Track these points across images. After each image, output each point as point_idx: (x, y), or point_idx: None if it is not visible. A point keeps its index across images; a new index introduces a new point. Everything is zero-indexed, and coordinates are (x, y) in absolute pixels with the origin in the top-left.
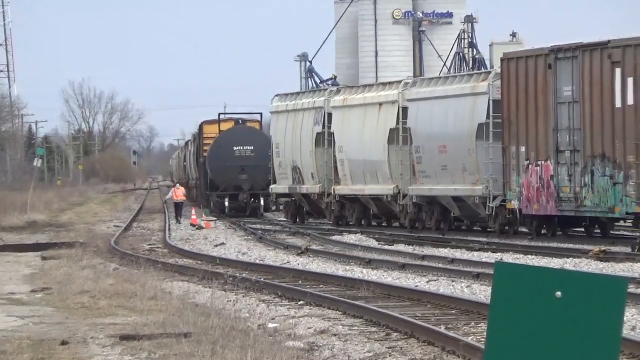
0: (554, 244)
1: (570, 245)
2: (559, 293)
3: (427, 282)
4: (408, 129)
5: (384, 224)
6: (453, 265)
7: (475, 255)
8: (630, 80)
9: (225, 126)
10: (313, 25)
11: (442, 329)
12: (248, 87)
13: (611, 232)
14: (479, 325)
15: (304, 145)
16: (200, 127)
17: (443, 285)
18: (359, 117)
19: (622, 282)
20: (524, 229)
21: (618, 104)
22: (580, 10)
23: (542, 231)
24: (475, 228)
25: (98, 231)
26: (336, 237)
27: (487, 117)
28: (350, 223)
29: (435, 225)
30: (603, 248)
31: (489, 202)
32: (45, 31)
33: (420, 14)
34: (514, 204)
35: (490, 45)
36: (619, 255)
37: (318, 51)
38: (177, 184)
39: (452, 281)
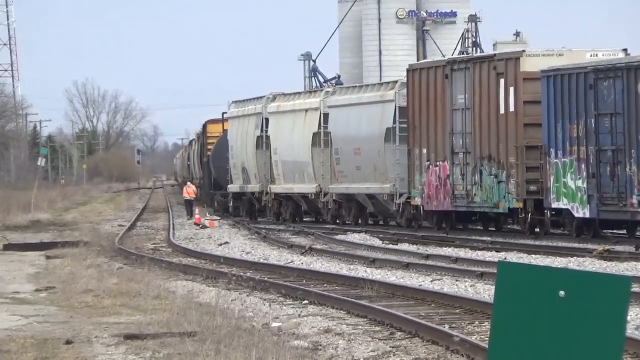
0: (558, 244)
1: (574, 245)
2: (562, 292)
3: (431, 281)
4: (329, 133)
5: (320, 219)
6: (457, 264)
7: (479, 255)
8: (511, 90)
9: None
10: (317, 25)
11: (446, 328)
12: (252, 86)
13: (505, 226)
14: (483, 324)
15: (249, 148)
16: (204, 126)
17: (447, 285)
18: (290, 122)
19: (626, 281)
20: (427, 224)
21: (502, 110)
22: (584, 10)
23: (443, 225)
24: (391, 223)
25: (102, 230)
26: (340, 237)
27: (394, 122)
28: (286, 219)
29: (354, 220)
30: (607, 247)
31: (396, 199)
32: (49, 30)
33: (424, 13)
34: (418, 200)
35: (494, 45)
36: (623, 254)
37: (322, 50)
38: (188, 182)
39: (456, 280)
